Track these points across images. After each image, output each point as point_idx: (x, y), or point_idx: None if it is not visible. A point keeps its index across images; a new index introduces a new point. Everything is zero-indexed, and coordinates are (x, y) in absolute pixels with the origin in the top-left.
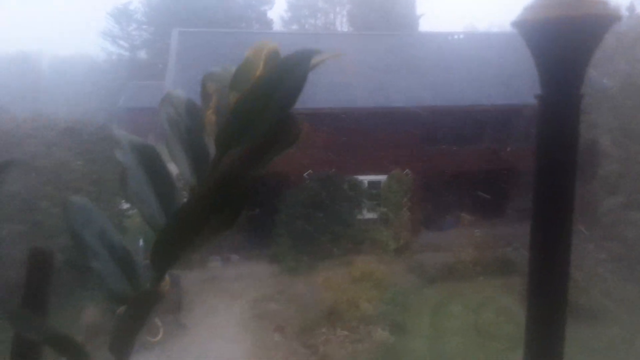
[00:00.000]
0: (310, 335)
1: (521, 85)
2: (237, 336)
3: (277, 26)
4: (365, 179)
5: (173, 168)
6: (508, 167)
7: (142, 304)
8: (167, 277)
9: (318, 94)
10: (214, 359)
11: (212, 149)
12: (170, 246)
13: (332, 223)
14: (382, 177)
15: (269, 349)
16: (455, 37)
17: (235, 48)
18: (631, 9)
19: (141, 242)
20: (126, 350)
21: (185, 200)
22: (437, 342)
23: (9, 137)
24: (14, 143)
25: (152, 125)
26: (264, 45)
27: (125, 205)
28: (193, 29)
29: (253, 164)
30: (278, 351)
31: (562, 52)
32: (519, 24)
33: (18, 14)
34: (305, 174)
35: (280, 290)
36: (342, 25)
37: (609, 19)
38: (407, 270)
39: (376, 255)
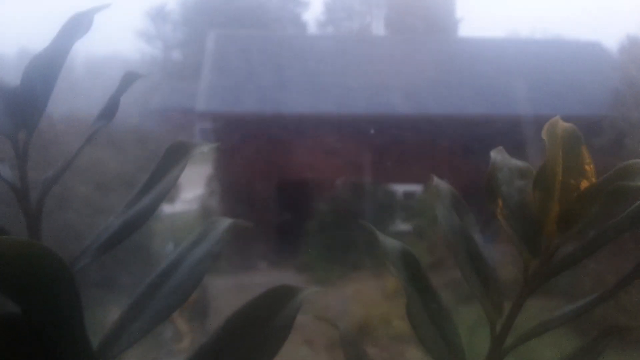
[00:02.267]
0: (340, 350)
1: (566, 95)
2: None
3: (312, 28)
4: (400, 188)
5: None
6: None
7: None
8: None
9: (354, 98)
10: None
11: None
12: None
13: (364, 233)
14: (417, 188)
15: None
16: (496, 42)
17: (270, 50)
18: None
19: (171, 247)
20: None
21: None
22: None
23: (44, 135)
24: (48, 141)
25: (187, 127)
26: (556, 125)
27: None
28: (228, 30)
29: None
30: None
31: None
32: None
33: (53, 10)
34: (337, 182)
35: (309, 300)
36: (379, 28)
37: None
38: (443, 286)
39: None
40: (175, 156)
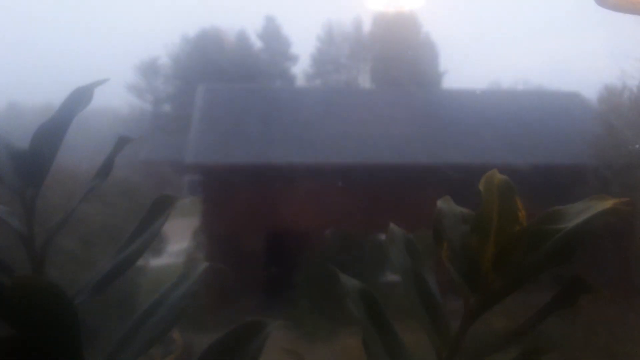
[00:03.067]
0: None
1: (548, 145)
2: None
3: (301, 81)
4: None
5: None
6: None
7: None
8: (178, 338)
9: (342, 148)
10: None
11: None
12: None
13: (354, 286)
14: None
15: None
16: (479, 93)
17: (258, 103)
18: None
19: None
20: None
21: None
22: None
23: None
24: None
25: (175, 179)
26: (493, 177)
27: (142, 262)
28: (217, 84)
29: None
30: None
31: None
32: None
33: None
34: (326, 232)
35: (297, 357)
36: (365, 80)
37: None
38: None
39: (400, 322)
40: (160, 208)
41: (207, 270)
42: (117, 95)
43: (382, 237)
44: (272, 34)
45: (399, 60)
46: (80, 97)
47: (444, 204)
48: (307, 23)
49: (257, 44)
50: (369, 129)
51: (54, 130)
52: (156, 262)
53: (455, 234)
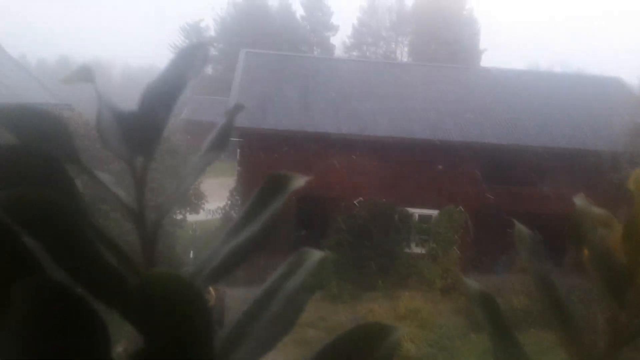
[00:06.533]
0: None
1: (584, 129)
2: None
3: (339, 51)
4: (416, 212)
5: None
6: (569, 213)
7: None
8: (212, 291)
9: (377, 121)
10: None
11: None
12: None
13: (378, 254)
14: (433, 212)
15: None
16: (517, 74)
17: (296, 72)
18: None
19: (191, 254)
20: None
21: None
22: None
23: (81, 142)
24: (84, 147)
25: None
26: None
27: (180, 216)
28: (259, 50)
29: None
30: None
31: None
32: None
33: (93, 22)
34: (355, 201)
35: (321, 316)
36: (403, 54)
37: None
38: (454, 311)
39: (422, 292)
40: (273, 187)
41: (323, 262)
42: (163, 55)
43: (410, 209)
44: (315, 3)
45: (439, 35)
46: (193, 55)
47: (581, 202)
48: None
49: (300, 11)
50: (404, 103)
51: (166, 91)
52: (194, 217)
53: (595, 238)
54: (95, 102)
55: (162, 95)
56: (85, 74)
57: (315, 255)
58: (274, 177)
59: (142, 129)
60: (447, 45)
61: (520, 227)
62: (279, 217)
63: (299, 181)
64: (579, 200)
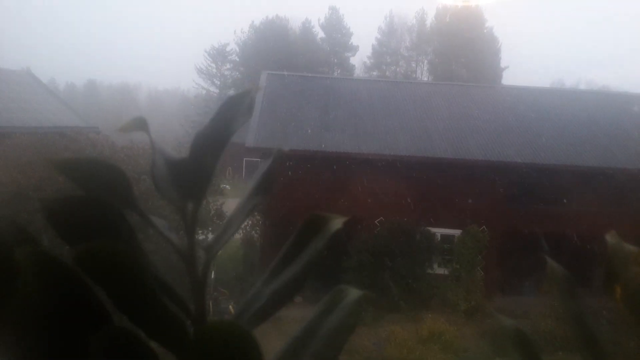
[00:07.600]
0: None
1: (612, 148)
2: None
3: (359, 71)
4: (438, 231)
5: None
6: (597, 233)
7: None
8: (231, 308)
9: (397, 141)
10: None
11: None
12: None
13: (400, 274)
14: (455, 232)
15: None
16: (540, 91)
17: (317, 93)
18: None
19: (212, 274)
20: None
21: None
22: None
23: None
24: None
25: (235, 158)
26: None
27: (202, 236)
28: (280, 72)
29: None
30: None
31: None
32: None
33: (120, 46)
34: (376, 221)
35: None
36: (423, 74)
37: None
38: (478, 335)
39: (445, 314)
40: (312, 227)
41: (361, 301)
42: (186, 78)
43: (432, 229)
44: (335, 25)
45: (459, 54)
46: (240, 104)
47: (613, 240)
48: (370, 14)
49: (320, 33)
50: (424, 123)
51: (214, 138)
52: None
53: (628, 275)
54: (118, 124)
55: (211, 143)
56: (140, 124)
57: (353, 293)
58: (312, 218)
59: (192, 175)
60: (467, 64)
61: (554, 265)
62: (320, 258)
63: (337, 222)
64: (611, 238)
